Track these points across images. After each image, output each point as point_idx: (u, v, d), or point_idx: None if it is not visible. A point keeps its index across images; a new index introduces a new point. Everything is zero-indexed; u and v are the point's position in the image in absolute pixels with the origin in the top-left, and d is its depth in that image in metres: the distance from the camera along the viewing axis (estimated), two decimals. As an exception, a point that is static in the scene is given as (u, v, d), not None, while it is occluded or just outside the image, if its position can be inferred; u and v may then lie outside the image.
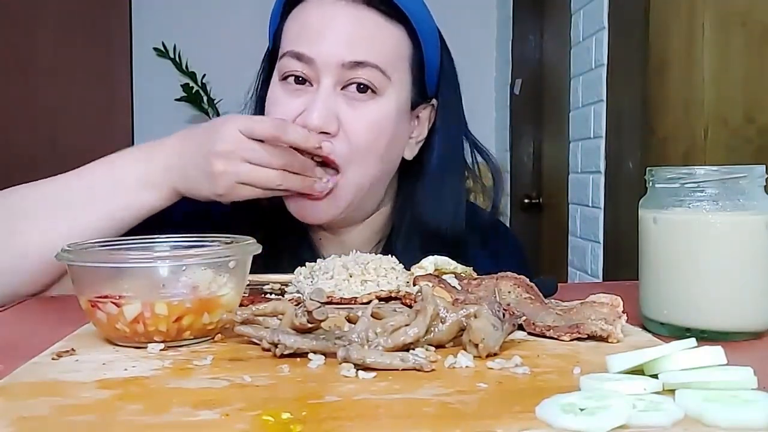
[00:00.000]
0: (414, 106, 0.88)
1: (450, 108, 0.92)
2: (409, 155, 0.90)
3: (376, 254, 0.80)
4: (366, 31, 0.81)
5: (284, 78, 0.83)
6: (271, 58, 0.89)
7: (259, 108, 0.91)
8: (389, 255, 0.78)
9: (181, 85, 2.88)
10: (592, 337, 0.57)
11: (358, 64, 0.80)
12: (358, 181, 0.83)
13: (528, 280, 0.67)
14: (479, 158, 0.95)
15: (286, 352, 0.52)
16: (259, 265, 0.66)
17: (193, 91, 2.89)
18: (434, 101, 0.91)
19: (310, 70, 0.81)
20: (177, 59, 2.90)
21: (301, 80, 0.82)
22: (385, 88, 0.82)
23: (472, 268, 0.76)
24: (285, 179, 0.78)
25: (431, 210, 0.89)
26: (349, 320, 0.58)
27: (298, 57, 0.81)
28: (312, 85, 0.82)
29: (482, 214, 0.97)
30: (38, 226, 0.77)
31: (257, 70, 0.94)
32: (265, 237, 0.70)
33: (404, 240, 0.90)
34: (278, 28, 0.88)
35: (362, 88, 0.81)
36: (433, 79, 0.89)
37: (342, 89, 0.81)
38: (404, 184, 0.93)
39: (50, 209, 0.78)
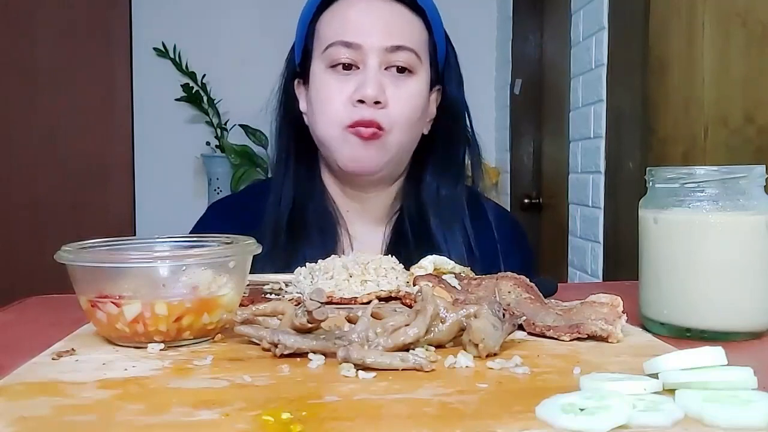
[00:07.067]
0: (430, 87, 1.00)
1: (453, 92, 1.04)
2: (426, 130, 1.03)
3: (392, 226, 1.00)
4: (400, 21, 0.97)
5: (332, 66, 0.96)
6: (304, 55, 1.00)
7: (284, 100, 1.04)
8: (404, 227, 0.98)
9: (181, 85, 2.88)
10: (592, 337, 0.57)
11: (398, 48, 0.95)
12: (399, 139, 0.96)
13: (528, 280, 0.67)
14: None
15: (286, 352, 0.52)
16: (288, 245, 0.91)
17: (193, 91, 2.89)
18: (439, 86, 1.03)
19: (357, 55, 0.94)
20: (177, 59, 2.89)
21: (347, 66, 0.95)
22: (418, 68, 0.97)
23: (473, 243, 0.93)
24: None
25: (437, 174, 1.03)
26: (349, 320, 0.58)
27: (347, 45, 0.94)
28: (358, 68, 0.95)
29: (488, 201, 1.10)
30: None
31: (281, 69, 1.05)
32: (295, 218, 0.97)
33: (414, 206, 1.02)
34: (309, 30, 1.00)
35: (401, 69, 0.95)
36: (441, 65, 1.03)
37: (385, 70, 0.95)
38: (415, 159, 1.05)
39: None
